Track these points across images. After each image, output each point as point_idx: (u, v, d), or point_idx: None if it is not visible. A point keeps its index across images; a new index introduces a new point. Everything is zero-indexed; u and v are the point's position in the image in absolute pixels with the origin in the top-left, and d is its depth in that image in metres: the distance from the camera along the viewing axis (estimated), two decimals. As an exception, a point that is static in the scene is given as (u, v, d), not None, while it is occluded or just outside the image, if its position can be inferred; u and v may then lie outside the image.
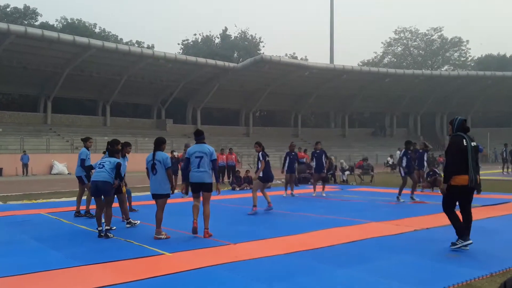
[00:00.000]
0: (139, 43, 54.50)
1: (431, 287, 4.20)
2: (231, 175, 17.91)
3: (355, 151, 41.92)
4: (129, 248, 6.24)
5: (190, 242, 6.66)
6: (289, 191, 13.87)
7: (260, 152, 10.43)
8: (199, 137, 7.43)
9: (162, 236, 6.93)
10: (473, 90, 48.86)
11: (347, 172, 19.74)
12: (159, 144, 7.26)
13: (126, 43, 49.55)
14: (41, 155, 29.07)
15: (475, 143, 6.02)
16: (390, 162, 29.48)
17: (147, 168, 7.23)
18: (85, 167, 9.07)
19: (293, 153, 14.13)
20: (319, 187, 14.07)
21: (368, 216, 8.96)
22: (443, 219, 8.38)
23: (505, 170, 24.28)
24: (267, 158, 10.40)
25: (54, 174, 27.99)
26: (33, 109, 38.04)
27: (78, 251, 6.14)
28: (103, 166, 7.47)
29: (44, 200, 12.73)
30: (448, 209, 6.13)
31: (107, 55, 34.35)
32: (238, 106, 47.96)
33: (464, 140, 5.88)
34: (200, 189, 7.25)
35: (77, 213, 9.38)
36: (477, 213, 9.05)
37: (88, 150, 9.68)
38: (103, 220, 7.27)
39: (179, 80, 40.59)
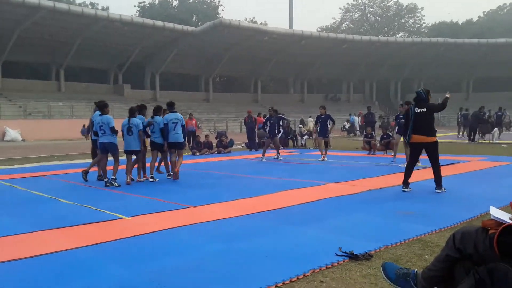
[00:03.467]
0: (93, 5, 51.98)
1: (384, 241, 4.42)
2: (191, 141, 17.85)
3: (314, 116, 42.47)
4: (87, 213, 6.17)
5: (150, 206, 6.66)
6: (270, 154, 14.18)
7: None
8: (172, 107, 9.76)
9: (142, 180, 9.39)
10: (426, 56, 50.22)
11: (305, 137, 20.10)
12: (133, 112, 9.20)
13: (79, 5, 47.13)
14: (-7, 121, 27.73)
15: (422, 109, 7.36)
16: (347, 127, 30.20)
17: (122, 130, 8.98)
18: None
19: (273, 118, 14.07)
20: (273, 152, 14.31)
21: (325, 178, 9.23)
22: (395, 180, 8.81)
23: (460, 133, 25.26)
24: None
25: (7, 141, 26.84)
26: (-19, 74, 35.93)
27: (34, 217, 6.02)
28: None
29: (-5, 168, 12.25)
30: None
31: (59, 16, 32.60)
32: (197, 71, 47.20)
33: (410, 108, 7.46)
34: (175, 146, 9.52)
35: (100, 177, 9.42)
36: (428, 174, 9.53)
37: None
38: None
39: (136, 44, 39.29)
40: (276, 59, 47.04)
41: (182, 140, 9.60)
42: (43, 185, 8.94)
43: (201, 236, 4.93)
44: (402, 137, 11.58)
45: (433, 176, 7.48)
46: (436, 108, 7.57)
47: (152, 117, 9.60)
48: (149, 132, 9.59)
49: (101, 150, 8.99)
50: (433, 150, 7.41)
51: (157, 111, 9.67)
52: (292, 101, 49.54)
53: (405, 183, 7.55)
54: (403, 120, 11.43)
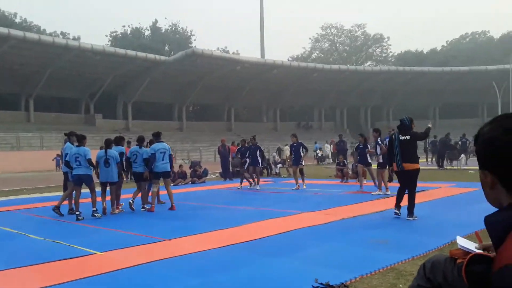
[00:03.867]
0: (64, 35, 51.68)
1: (360, 271, 4.48)
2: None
3: (279, 145, 42.89)
4: (58, 249, 6.01)
5: (123, 240, 6.55)
6: (245, 183, 14.21)
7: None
8: (158, 137, 9.91)
9: (116, 211, 9.25)
10: (394, 84, 51.85)
11: (279, 165, 20.23)
12: (109, 143, 9.32)
13: (50, 34, 46.76)
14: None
15: (406, 137, 7.59)
16: (319, 155, 30.56)
17: (97, 162, 9.12)
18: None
19: (253, 146, 14.16)
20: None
21: (300, 207, 9.30)
22: (368, 208, 8.96)
23: (429, 159, 25.71)
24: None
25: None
26: None
27: (2, 254, 5.83)
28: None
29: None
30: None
31: (30, 46, 32.23)
32: (170, 100, 47.17)
33: (393, 135, 7.76)
34: (163, 176, 9.79)
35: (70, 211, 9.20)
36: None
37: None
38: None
39: (108, 73, 39.10)
40: (249, 88, 47.61)
41: (169, 169, 9.99)
42: (12, 220, 8.67)
43: (178, 270, 4.88)
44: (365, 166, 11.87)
45: (406, 203, 7.63)
46: (419, 137, 7.85)
47: (140, 147, 9.81)
48: (132, 163, 9.81)
49: (75, 182, 8.78)
50: (414, 177, 7.63)
51: (141, 141, 9.90)
52: (265, 129, 49.92)
53: (397, 207, 7.65)
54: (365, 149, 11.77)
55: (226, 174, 18.00)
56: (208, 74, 42.66)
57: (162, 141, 9.89)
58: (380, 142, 11.36)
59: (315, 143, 33.28)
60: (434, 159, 23.66)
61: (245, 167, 14.29)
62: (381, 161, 11.36)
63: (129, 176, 14.85)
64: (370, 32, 71.80)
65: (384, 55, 72.90)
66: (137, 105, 44.84)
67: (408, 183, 7.59)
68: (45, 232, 7.26)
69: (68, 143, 9.19)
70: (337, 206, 9.42)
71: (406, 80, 50.95)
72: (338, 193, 12.07)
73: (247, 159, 14.10)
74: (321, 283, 4.13)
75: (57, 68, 35.93)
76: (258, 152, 13.94)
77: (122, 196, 9.90)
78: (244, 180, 14.50)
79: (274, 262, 5.08)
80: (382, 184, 11.35)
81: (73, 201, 8.96)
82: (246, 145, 14.58)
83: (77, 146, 8.82)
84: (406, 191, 7.61)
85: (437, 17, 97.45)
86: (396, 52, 72.13)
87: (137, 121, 43.15)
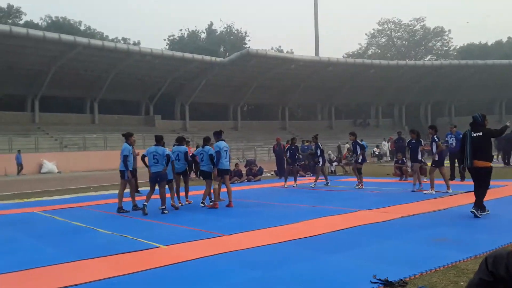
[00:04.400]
0: (125, 40, 54.08)
1: (419, 268, 4.40)
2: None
3: (343, 142, 42.28)
4: (124, 243, 6.36)
5: (185, 235, 6.81)
6: (290, 182, 14.24)
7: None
8: (220, 135, 10.12)
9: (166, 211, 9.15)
10: (456, 79, 49.53)
11: (334, 163, 20.03)
12: (159, 140, 9.54)
13: (112, 40, 49.12)
14: (30, 154, 28.87)
15: (479, 133, 7.38)
16: (377, 153, 29.88)
17: (144, 156, 9.58)
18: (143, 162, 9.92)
19: (293, 147, 14.70)
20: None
21: (356, 205, 9.20)
22: (428, 206, 8.70)
23: (494, 156, 24.40)
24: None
25: (44, 173, 27.84)
26: (20, 109, 37.62)
27: (74, 246, 6.25)
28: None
29: (36, 199, 12.75)
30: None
31: (94, 52, 34.10)
32: (226, 100, 48.00)
33: (466, 132, 7.62)
34: (227, 173, 10.28)
35: (120, 209, 9.40)
36: (462, 199, 9.37)
37: (131, 145, 9.70)
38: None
39: (167, 76, 40.48)
40: (303, 86, 47.38)
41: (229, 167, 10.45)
42: (81, 215, 9.24)
43: (237, 263, 5.03)
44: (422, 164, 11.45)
45: (472, 201, 7.36)
46: (494, 134, 7.65)
47: (203, 147, 10.27)
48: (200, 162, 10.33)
49: (152, 179, 9.47)
50: (487, 176, 7.41)
51: (207, 141, 10.33)
52: (320, 128, 49.41)
53: (481, 208, 7.38)
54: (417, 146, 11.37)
55: (281, 173, 18.07)
56: (263, 73, 42.96)
57: (223, 140, 10.13)
58: (436, 139, 10.95)
59: (384, 140, 32.28)
60: (500, 156, 22.40)
61: (320, 165, 14.28)
62: (436, 158, 10.97)
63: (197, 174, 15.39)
64: (430, 25, 69.09)
65: (445, 48, 69.87)
66: (194, 106, 46.04)
67: (480, 181, 7.37)
68: (112, 226, 7.70)
69: (125, 144, 9.64)
70: (395, 204, 9.22)
71: (469, 74, 48.49)
72: (396, 191, 11.78)
73: (320, 158, 14.13)
74: (380, 279, 4.11)
75: (119, 72, 37.70)
76: (318, 151, 14.04)
77: (188, 193, 10.25)
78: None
79: (332, 258, 5.10)
80: (436, 182, 10.96)
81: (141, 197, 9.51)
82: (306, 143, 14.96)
83: (155, 145, 9.44)
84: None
85: (502, 9, 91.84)
86: (459, 45, 68.91)
87: (194, 121, 44.32)
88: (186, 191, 10.83)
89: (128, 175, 9.49)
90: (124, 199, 9.64)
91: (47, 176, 25.42)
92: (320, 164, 14.20)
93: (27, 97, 37.36)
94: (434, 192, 10.68)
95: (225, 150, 9.91)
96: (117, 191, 9.87)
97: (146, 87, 42.34)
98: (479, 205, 7.33)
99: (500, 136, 7.73)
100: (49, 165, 28.46)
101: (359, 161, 13.24)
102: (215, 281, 4.40)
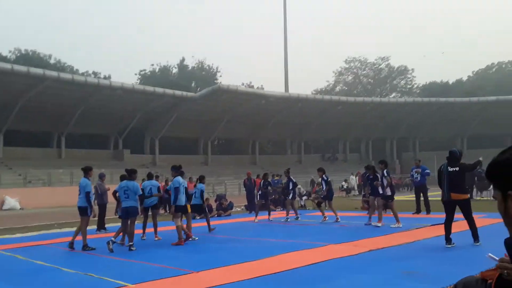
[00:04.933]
0: (95, 74, 53.73)
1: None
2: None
3: (312, 176, 42.73)
4: (89, 282, 6.18)
5: (153, 272, 6.67)
6: (261, 217, 14.36)
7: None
8: (178, 170, 9.93)
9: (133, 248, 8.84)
10: (420, 115, 51.37)
11: (304, 197, 20.17)
12: (131, 174, 9.46)
13: (83, 74, 48.71)
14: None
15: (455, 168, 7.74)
16: (345, 187, 30.30)
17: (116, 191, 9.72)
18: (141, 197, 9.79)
19: (266, 182, 15.03)
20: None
21: (326, 239, 9.27)
22: (396, 239, 8.86)
23: None
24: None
25: (6, 209, 26.72)
26: (-18, 143, 36.38)
27: (36, 286, 6.02)
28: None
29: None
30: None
31: (63, 86, 33.62)
32: (196, 135, 47.96)
33: (441, 167, 7.97)
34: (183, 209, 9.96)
35: (85, 247, 9.05)
36: (426, 232, 9.60)
37: (89, 180, 9.49)
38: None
39: (137, 110, 40.23)
40: (274, 121, 48.03)
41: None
42: (45, 254, 8.91)
43: (206, 301, 4.96)
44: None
45: (432, 235, 7.59)
46: (468, 168, 8.09)
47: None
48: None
49: (123, 214, 9.31)
50: (466, 207, 7.81)
51: (180, 175, 10.05)
52: (290, 162, 49.77)
53: (447, 240, 7.74)
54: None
55: (251, 207, 18.03)
56: (234, 109, 43.38)
57: (182, 175, 10.05)
58: (386, 174, 11.24)
59: (352, 174, 32.82)
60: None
61: (290, 198, 14.45)
62: (389, 193, 11.26)
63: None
64: (394, 64, 72.02)
65: (409, 86, 72.64)
66: (164, 140, 45.73)
67: (464, 213, 7.78)
68: (76, 265, 7.46)
69: (84, 178, 9.46)
70: (364, 238, 9.34)
71: (432, 111, 50.45)
72: (365, 224, 11.94)
73: (292, 191, 14.36)
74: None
75: (88, 106, 37.20)
76: (290, 185, 14.26)
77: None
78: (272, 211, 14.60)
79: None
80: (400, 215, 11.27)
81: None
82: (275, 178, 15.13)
83: (126, 180, 9.31)
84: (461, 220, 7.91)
85: (461, 50, 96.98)
86: (421, 83, 71.83)
87: (164, 156, 43.90)
88: (155, 226, 10.64)
89: (91, 212, 9.30)
90: (88, 236, 9.37)
91: (9, 213, 24.41)
92: (290, 198, 14.32)
93: (-10, 131, 36.24)
94: (380, 225, 11.00)
95: (183, 186, 9.80)
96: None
97: (115, 121, 41.89)
98: (476, 234, 7.73)
99: (473, 170, 8.20)
100: (12, 202, 27.37)
101: (322, 196, 13.53)
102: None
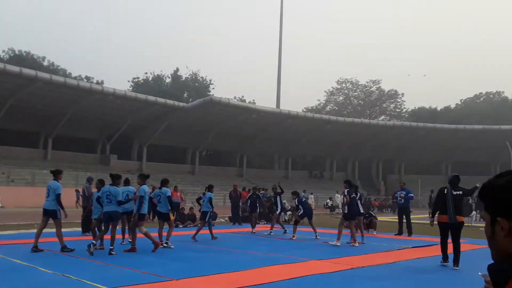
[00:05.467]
0: (88, 78, 53.53)
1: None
2: (175, 213, 17.76)
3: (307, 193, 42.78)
4: (66, 283, 6.10)
5: (132, 278, 6.62)
6: (246, 229, 14.80)
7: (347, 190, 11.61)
8: (145, 178, 9.98)
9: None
10: (407, 139, 51.97)
11: (289, 212, 20.16)
12: (115, 179, 9.48)
13: (75, 78, 48.51)
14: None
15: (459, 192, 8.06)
16: (329, 204, 30.40)
17: (99, 197, 9.41)
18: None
19: (254, 196, 15.45)
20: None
21: (308, 254, 9.28)
22: (376, 259, 8.91)
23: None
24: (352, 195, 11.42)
25: (-12, 208, 26.24)
26: (-33, 140, 35.85)
27: (11, 286, 5.93)
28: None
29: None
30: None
31: (55, 88, 33.41)
32: (185, 144, 47.85)
33: (445, 189, 8.14)
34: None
35: (35, 248, 8.86)
36: (407, 254, 9.68)
37: (59, 182, 9.44)
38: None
39: (127, 117, 40.05)
40: (263, 136, 48.20)
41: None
42: (23, 253, 8.78)
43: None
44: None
45: (412, 257, 7.66)
46: (468, 193, 8.54)
47: (160, 188, 10.42)
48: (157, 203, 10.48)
49: (105, 218, 9.26)
50: (460, 230, 8.09)
51: (165, 183, 10.52)
52: (276, 177, 49.67)
53: (445, 258, 8.06)
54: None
55: (235, 219, 17.99)
56: (224, 121, 43.46)
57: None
58: (345, 193, 11.49)
59: (304, 191, 32.89)
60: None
61: (278, 212, 14.69)
62: (346, 211, 11.55)
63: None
64: (385, 88, 73.01)
65: (398, 110, 73.63)
66: (152, 148, 45.53)
67: (458, 234, 8.03)
68: (54, 265, 7.36)
69: (55, 181, 9.41)
70: (346, 255, 9.38)
71: (419, 136, 51.10)
72: (347, 243, 11.98)
73: (279, 207, 14.60)
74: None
75: (78, 110, 36.97)
76: (278, 200, 14.58)
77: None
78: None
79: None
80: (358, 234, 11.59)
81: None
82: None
83: (110, 185, 9.33)
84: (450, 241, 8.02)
85: (451, 77, 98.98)
86: (410, 108, 72.84)
87: (151, 163, 43.65)
88: (131, 232, 10.53)
89: (61, 214, 9.28)
90: (71, 238, 9.29)
91: (-11, 211, 23.98)
92: (278, 213, 14.46)
93: (-25, 128, 35.77)
94: (339, 244, 11.04)
95: (148, 195, 9.95)
96: (64, 229, 9.47)
97: (104, 126, 41.64)
98: (458, 258, 7.83)
99: (470, 195, 8.56)
100: (-7, 200, 26.92)
101: (299, 214, 13.66)
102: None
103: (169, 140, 45.52)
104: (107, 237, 9.30)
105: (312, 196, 31.16)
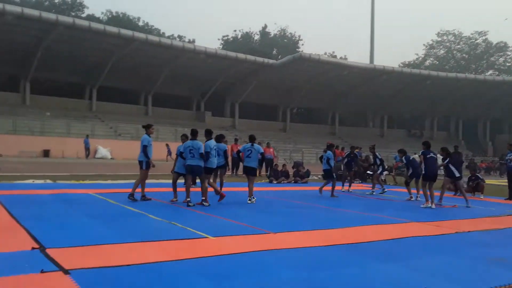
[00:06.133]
0: (180, 38, 55.37)
1: (473, 286, 4.19)
2: (269, 168, 18.09)
3: (393, 152, 41.15)
4: (174, 230, 6.50)
5: (232, 228, 6.86)
6: (346, 187, 14.45)
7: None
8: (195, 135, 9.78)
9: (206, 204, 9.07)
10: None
11: (385, 172, 19.50)
12: (195, 134, 9.41)
13: (168, 37, 50.45)
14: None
15: None
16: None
17: (181, 152, 9.57)
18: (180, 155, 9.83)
19: (352, 155, 14.86)
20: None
21: (408, 216, 8.91)
22: (485, 224, 8.28)
23: None
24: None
25: (98, 158, 28.99)
26: (79, 96, 39.46)
27: (126, 229, 6.45)
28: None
29: (91, 181, 13.30)
30: None
31: (150, 48, 35.18)
32: (276, 102, 48.06)
33: None
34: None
35: (131, 196, 9.49)
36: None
37: (150, 136, 9.85)
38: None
39: (218, 75, 41.06)
40: (355, 93, 46.62)
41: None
42: (134, 201, 9.48)
43: (283, 262, 4.98)
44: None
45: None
46: None
47: (252, 145, 10.39)
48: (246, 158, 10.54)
49: (187, 171, 9.48)
50: None
51: (253, 139, 10.50)
52: (370, 135, 48.43)
53: None
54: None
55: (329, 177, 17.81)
56: (315, 78, 42.65)
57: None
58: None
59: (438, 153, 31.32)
60: None
61: (379, 172, 14.38)
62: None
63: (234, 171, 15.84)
64: (493, 40, 65.96)
65: (508, 64, 66.45)
66: (244, 105, 46.44)
67: None
68: (161, 213, 7.89)
69: (145, 135, 9.79)
70: (449, 219, 8.85)
71: (533, 92, 45.91)
72: (450, 205, 11.32)
73: (380, 166, 14.22)
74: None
75: (173, 68, 38.66)
76: (377, 160, 14.14)
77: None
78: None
79: (381, 267, 4.95)
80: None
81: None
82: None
83: (191, 139, 9.45)
84: None
85: None
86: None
87: (243, 120, 44.72)
88: (221, 185, 11.37)
89: (147, 165, 9.62)
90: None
91: (101, 162, 26.45)
92: (379, 172, 14.07)
93: (86, 86, 39.13)
94: (431, 206, 10.53)
95: (215, 150, 9.82)
96: (165, 180, 10.03)
97: (198, 84, 43.15)
98: None
99: None
100: (103, 151, 29.60)
101: (409, 175, 13.04)
102: (259, 277, 4.38)
103: (260, 97, 46.00)
104: (181, 189, 9.72)
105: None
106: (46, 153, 28.16)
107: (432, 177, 10.82)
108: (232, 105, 45.56)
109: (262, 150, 10.39)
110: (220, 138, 10.79)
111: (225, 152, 11.20)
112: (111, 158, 28.74)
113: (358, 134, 46.84)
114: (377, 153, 14.23)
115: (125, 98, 42.27)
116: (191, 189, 9.54)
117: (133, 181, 9.96)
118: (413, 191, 12.67)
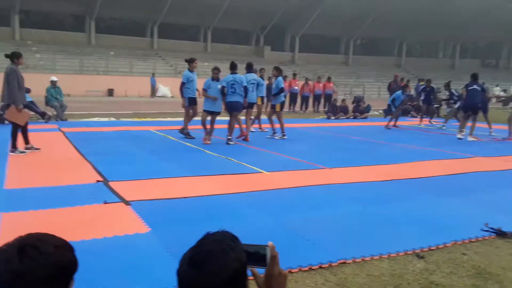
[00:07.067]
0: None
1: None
2: (327, 104, 17.73)
3: (464, 84, 38.61)
4: (230, 165, 6.65)
5: (286, 164, 6.90)
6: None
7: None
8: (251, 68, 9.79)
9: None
10: None
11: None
12: (234, 67, 9.16)
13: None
14: (147, 78, 30.95)
15: None
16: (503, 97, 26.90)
17: (224, 87, 8.94)
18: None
19: (428, 88, 14.65)
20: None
21: (473, 151, 8.47)
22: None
23: None
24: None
25: (159, 96, 29.88)
26: (141, 34, 40.13)
27: (187, 164, 6.69)
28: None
29: (152, 119, 13.81)
30: None
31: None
32: (338, 33, 45.99)
33: None
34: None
35: (182, 131, 9.77)
36: None
37: (192, 72, 9.75)
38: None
39: (280, 5, 39.61)
40: (426, 20, 43.32)
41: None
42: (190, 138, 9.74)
43: (338, 196, 5.00)
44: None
45: None
46: None
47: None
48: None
49: (229, 108, 9.04)
50: None
51: (233, 67, 9.58)
52: (440, 67, 45.57)
53: None
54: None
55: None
56: (381, 5, 40.00)
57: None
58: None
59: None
60: None
61: (456, 108, 13.62)
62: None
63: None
64: None
65: None
66: (304, 38, 44.99)
67: None
68: (217, 149, 8.10)
69: (186, 70, 9.77)
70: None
71: None
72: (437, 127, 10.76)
73: (458, 102, 13.49)
74: (492, 228, 3.80)
75: (232, 2, 37.79)
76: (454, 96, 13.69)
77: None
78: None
79: (442, 201, 4.85)
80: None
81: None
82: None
83: (231, 73, 9.07)
84: None
85: None
86: None
87: (303, 54, 43.57)
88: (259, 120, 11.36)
89: (189, 102, 9.58)
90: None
91: (161, 100, 27.27)
92: (457, 107, 13.39)
93: (147, 24, 39.57)
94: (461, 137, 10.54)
95: (251, 83, 9.52)
96: (222, 118, 10.05)
97: (258, 16, 42.06)
98: None
99: None
100: (164, 90, 30.35)
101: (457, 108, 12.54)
102: (315, 210, 4.43)
103: (322, 29, 44.15)
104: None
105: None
106: (110, 92, 29.37)
107: (470, 108, 10.78)
108: (292, 38, 44.29)
109: (245, 83, 9.05)
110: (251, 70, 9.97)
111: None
112: (171, 97, 29.46)
113: (425, 66, 44.17)
114: (452, 90, 13.79)
115: (185, 34, 42.40)
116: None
117: (197, 118, 10.08)
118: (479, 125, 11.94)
